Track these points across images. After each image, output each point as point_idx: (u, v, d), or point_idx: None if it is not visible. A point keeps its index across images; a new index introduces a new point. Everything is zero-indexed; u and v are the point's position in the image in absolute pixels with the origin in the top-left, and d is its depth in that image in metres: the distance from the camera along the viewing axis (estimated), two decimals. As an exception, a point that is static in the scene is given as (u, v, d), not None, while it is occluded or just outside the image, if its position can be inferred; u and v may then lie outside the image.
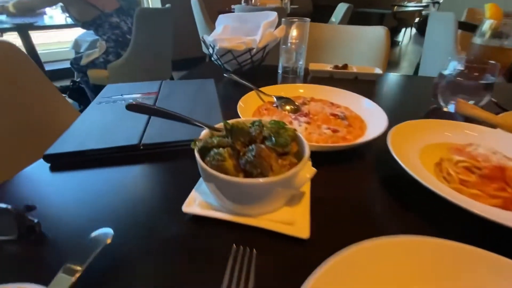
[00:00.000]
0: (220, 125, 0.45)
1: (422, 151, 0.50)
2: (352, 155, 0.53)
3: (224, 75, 0.90)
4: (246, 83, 0.74)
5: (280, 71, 1.06)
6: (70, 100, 2.53)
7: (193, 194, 0.41)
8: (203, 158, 0.37)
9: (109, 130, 0.57)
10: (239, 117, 0.54)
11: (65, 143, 0.53)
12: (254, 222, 0.36)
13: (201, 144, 0.37)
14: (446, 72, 0.71)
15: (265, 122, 0.41)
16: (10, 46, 0.88)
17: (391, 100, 0.88)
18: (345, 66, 1.04)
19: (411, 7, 6.81)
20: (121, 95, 0.77)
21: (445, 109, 0.74)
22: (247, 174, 0.35)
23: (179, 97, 0.76)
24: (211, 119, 0.60)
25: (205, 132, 0.43)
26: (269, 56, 1.08)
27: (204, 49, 2.05)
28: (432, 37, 2.09)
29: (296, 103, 0.66)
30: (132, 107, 0.40)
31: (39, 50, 2.52)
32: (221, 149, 0.35)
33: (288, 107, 0.65)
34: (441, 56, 1.96)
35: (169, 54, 2.64)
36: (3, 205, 0.33)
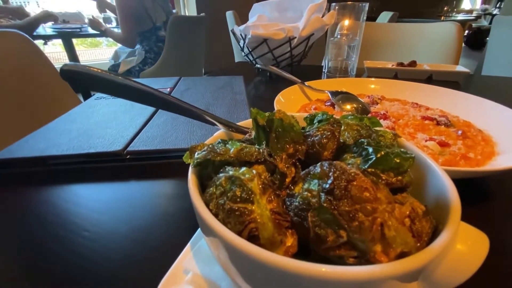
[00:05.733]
0: (246, 123, 0.25)
1: None
2: (480, 186, 0.29)
3: (257, 66, 0.71)
4: (287, 75, 0.54)
5: (325, 70, 0.85)
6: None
7: (185, 256, 0.20)
8: (204, 187, 0.17)
9: (91, 133, 0.40)
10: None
11: (23, 147, 0.36)
12: None
13: (202, 156, 0.17)
14: None
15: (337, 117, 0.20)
16: (21, 36, 0.79)
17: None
18: (413, 63, 0.80)
19: (460, 18, 6.25)
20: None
21: None
22: (306, 239, 0.13)
23: (197, 94, 0.58)
24: (235, 121, 0.41)
25: (218, 133, 0.23)
26: (312, 52, 0.88)
27: (236, 54, 1.92)
28: (497, 45, 1.72)
29: (362, 101, 0.44)
30: (69, 74, 0.21)
31: (82, 62, 2.62)
32: (244, 169, 0.15)
33: (349, 106, 0.43)
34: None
35: (201, 63, 2.59)
36: None
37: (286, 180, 0.17)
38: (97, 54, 4.22)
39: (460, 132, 0.34)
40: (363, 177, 0.13)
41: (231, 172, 0.15)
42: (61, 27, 2.19)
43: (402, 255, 0.13)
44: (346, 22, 0.79)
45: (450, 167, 0.25)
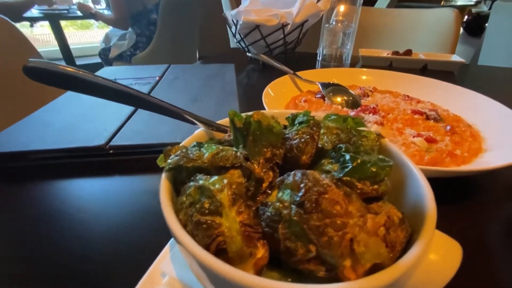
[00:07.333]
0: (227, 121, 0.24)
1: None
2: (462, 185, 0.29)
3: (248, 55, 0.69)
4: (278, 64, 0.52)
5: (319, 58, 0.83)
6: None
7: (163, 258, 0.20)
8: (179, 192, 0.16)
9: (74, 126, 0.39)
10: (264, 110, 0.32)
11: (3, 141, 0.35)
12: None
13: (174, 162, 0.16)
14: None
15: (319, 117, 0.20)
16: (4, 22, 0.75)
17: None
18: (408, 52, 0.79)
19: (460, 3, 6.13)
20: (115, 79, 0.59)
21: None
22: (278, 250, 0.13)
23: (186, 83, 0.56)
24: (223, 113, 0.40)
25: (198, 132, 0.22)
26: (306, 39, 0.85)
27: (231, 40, 1.86)
28: (495, 31, 1.69)
29: (352, 93, 0.43)
30: (34, 72, 0.19)
31: (71, 45, 2.50)
32: (215, 178, 0.14)
33: (339, 99, 0.42)
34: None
35: (195, 48, 2.51)
36: None
37: (263, 185, 0.16)
38: (87, 36, 4.05)
39: (448, 127, 0.34)
40: (335, 189, 0.12)
41: (201, 182, 0.14)
42: (48, 8, 2.09)
43: (374, 266, 0.12)
44: (342, 8, 0.76)
45: (434, 167, 0.25)
